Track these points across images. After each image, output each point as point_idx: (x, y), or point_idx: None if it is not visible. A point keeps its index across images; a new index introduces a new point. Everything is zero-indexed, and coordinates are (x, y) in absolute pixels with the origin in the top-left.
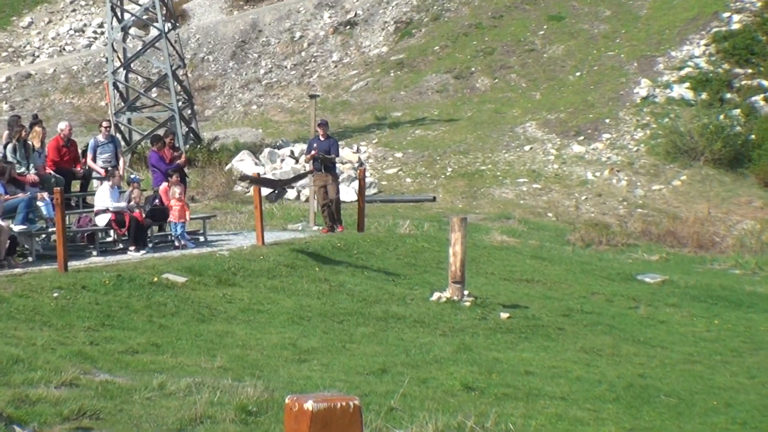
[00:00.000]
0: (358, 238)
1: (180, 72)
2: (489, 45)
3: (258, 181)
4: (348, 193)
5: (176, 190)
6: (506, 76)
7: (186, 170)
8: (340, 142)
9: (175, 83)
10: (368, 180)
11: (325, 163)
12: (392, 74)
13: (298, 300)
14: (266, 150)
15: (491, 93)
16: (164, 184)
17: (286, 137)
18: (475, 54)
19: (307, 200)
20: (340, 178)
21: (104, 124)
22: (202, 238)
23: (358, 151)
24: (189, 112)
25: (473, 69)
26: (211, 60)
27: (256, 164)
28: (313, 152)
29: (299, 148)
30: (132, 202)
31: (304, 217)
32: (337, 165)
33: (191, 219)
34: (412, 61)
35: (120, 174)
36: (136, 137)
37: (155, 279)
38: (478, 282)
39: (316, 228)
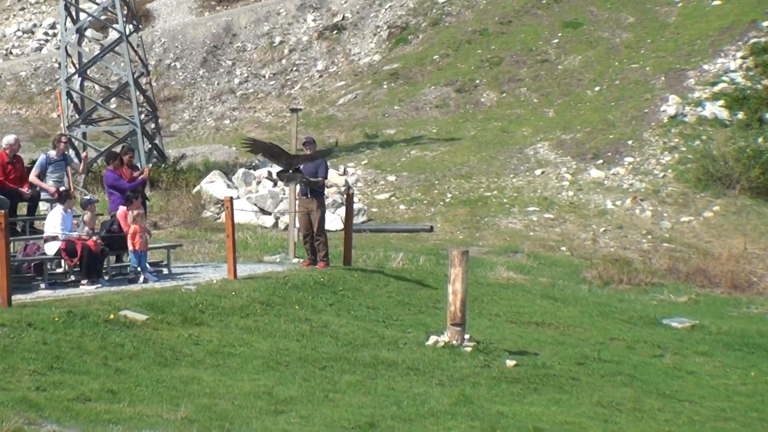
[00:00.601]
0: (344, 273)
1: (143, 80)
2: (496, 54)
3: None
4: (333, 221)
5: (140, 214)
6: (515, 90)
7: (147, 192)
8: None
9: (137, 93)
10: (356, 206)
11: (311, 187)
12: (385, 86)
13: (274, 342)
14: (240, 171)
15: (498, 109)
16: (122, 208)
17: (263, 158)
18: (479, 64)
19: (286, 228)
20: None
21: (63, 139)
22: (165, 270)
23: (345, 173)
24: (152, 126)
25: (477, 81)
26: (178, 67)
27: (228, 186)
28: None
29: (278, 168)
30: (86, 228)
31: (282, 247)
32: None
33: (153, 249)
34: (407, 72)
35: (73, 193)
36: (92, 154)
37: (111, 316)
38: (481, 324)
39: (296, 260)
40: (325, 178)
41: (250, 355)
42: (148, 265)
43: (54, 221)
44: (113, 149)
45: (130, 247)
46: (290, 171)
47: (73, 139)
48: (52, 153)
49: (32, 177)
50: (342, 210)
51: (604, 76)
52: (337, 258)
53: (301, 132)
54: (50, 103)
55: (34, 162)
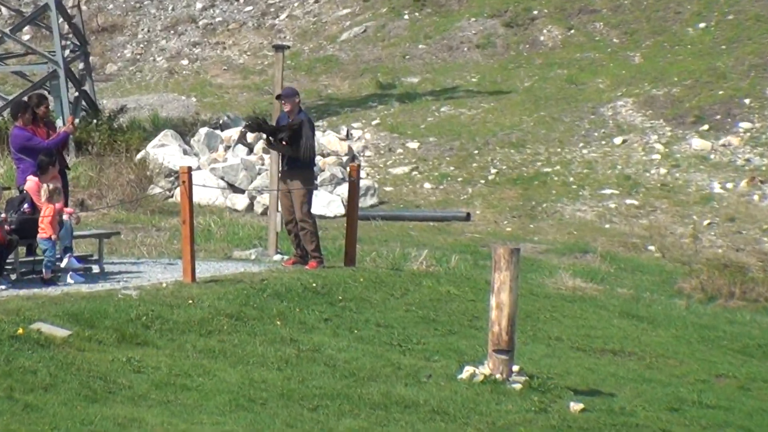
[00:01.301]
0: (346, 276)
1: (69, 2)
2: None
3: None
4: (332, 203)
5: (57, 189)
6: (588, 26)
7: (70, 158)
8: (319, 123)
9: (60, 20)
10: (364, 184)
11: (290, 157)
12: (406, 16)
13: (246, 371)
14: (202, 131)
15: (563, 51)
16: (33, 179)
17: (234, 111)
18: None
19: (264, 213)
20: (319, 179)
21: None
22: (96, 268)
23: (348, 137)
24: (81, 66)
25: (535, 12)
26: None
27: (185, 153)
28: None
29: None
30: None
31: (260, 239)
32: (316, 160)
33: (80, 237)
34: None
35: None
36: None
37: (20, 331)
38: (536, 351)
39: (278, 257)
40: (310, 142)
41: (212, 388)
42: (72, 260)
43: None
44: (23, 98)
45: (43, 235)
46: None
47: None
48: None
49: None
50: (344, 189)
51: (713, 8)
52: (335, 255)
53: (288, 79)
54: None
55: None
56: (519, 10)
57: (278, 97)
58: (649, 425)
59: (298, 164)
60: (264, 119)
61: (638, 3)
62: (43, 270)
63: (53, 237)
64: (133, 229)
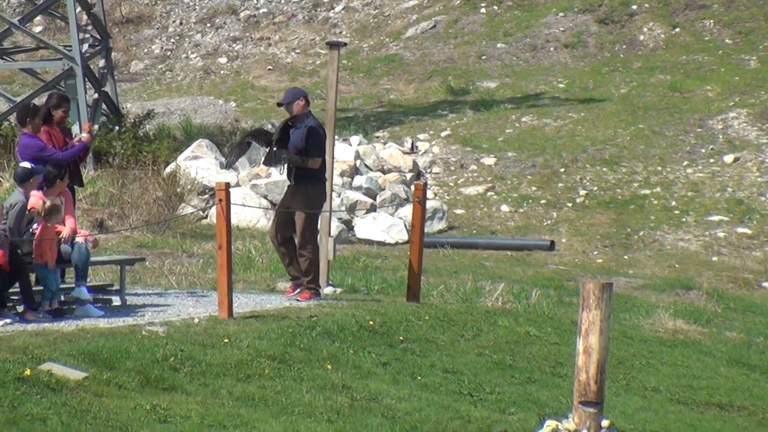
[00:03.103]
0: (408, 314)
1: None
2: None
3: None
4: (393, 228)
5: (56, 207)
6: (696, 24)
7: (88, 170)
8: (380, 134)
9: (78, 9)
10: (431, 205)
11: (294, 166)
12: (483, 10)
13: (291, 423)
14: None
15: (665, 53)
16: (36, 194)
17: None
18: None
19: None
20: (378, 199)
21: None
22: (116, 300)
23: (413, 150)
24: (102, 63)
25: (634, 6)
26: None
27: (222, 166)
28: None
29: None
30: None
31: None
32: (369, 175)
33: (97, 264)
34: None
35: None
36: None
37: (27, 372)
38: (630, 404)
39: (329, 289)
40: (318, 155)
41: None
42: (83, 289)
43: None
44: (32, 101)
45: (39, 260)
46: (274, 149)
47: None
48: None
49: None
50: (407, 211)
51: None
52: (396, 288)
53: (344, 81)
54: None
55: None
56: (615, 5)
57: (283, 105)
58: None
59: (302, 178)
60: (263, 129)
61: None
62: (44, 301)
63: (50, 263)
64: (160, 255)
